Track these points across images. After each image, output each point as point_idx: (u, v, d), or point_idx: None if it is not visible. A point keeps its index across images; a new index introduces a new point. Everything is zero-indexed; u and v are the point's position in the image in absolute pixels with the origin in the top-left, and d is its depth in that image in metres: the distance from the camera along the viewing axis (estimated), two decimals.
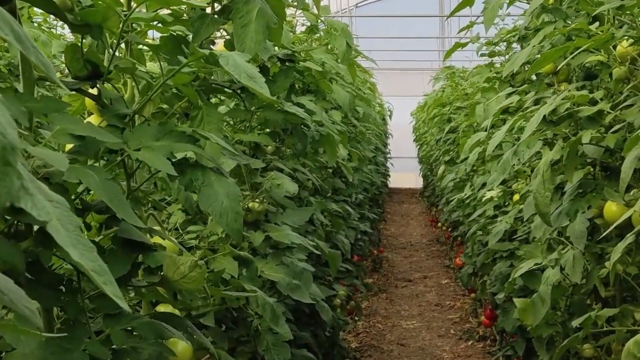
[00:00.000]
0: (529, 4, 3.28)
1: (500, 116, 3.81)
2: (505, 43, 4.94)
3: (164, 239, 1.58)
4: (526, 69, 4.81)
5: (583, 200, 2.27)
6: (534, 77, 4.72)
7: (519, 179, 4.09)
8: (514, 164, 2.73)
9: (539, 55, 3.38)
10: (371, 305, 8.01)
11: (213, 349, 1.71)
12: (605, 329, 2.44)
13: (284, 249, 2.81)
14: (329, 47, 4.08)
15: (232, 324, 2.73)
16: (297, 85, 3.82)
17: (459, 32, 5.29)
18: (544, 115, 2.95)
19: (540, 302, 2.54)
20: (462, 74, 8.05)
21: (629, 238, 1.77)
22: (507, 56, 4.89)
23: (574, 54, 2.05)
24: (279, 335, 2.50)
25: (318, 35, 4.34)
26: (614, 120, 2.07)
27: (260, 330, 2.59)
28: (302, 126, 3.26)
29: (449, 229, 9.04)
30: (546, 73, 3.40)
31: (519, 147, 2.73)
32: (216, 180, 1.39)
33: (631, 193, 2.17)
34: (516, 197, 4.36)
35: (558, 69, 3.29)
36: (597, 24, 2.28)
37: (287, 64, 3.02)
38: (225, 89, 2.52)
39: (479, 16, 5.53)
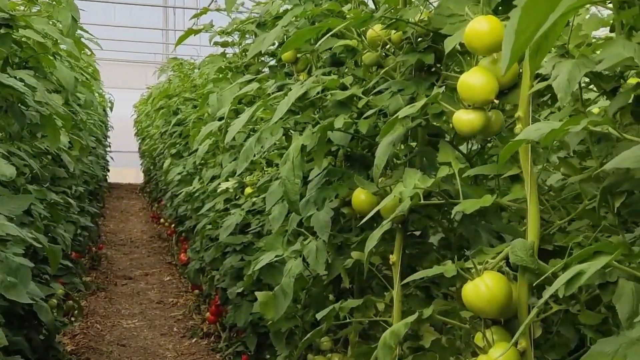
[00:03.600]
0: None
1: (237, 105, 3.68)
2: (238, 33, 4.85)
3: None
4: (259, 60, 4.77)
5: (330, 189, 2.20)
6: (266, 70, 4.69)
7: (254, 171, 4.01)
8: (257, 152, 2.61)
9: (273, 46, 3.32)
10: (89, 304, 7.55)
11: None
12: (345, 321, 2.39)
13: None
14: (52, 22, 3.70)
15: None
16: (11, 60, 3.41)
17: (191, 18, 5.11)
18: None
19: (282, 295, 2.43)
20: (190, 66, 7.87)
21: (385, 225, 1.71)
22: (240, 46, 4.80)
23: (324, 37, 1.95)
24: None
25: (38, 8, 3.93)
26: (366, 105, 2.01)
27: None
28: (19, 104, 2.88)
29: (173, 225, 8.82)
30: (285, 62, 3.34)
31: (262, 134, 2.62)
32: None
33: (379, 181, 2.13)
34: (248, 190, 4.28)
35: (297, 58, 3.25)
36: (349, 5, 2.23)
37: (2, 29, 2.64)
38: None
39: (202, 10, 5.40)
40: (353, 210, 2.22)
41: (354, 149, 2.36)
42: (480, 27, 1.43)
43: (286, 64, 3.78)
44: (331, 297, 2.81)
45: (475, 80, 1.46)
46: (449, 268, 1.55)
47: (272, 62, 4.56)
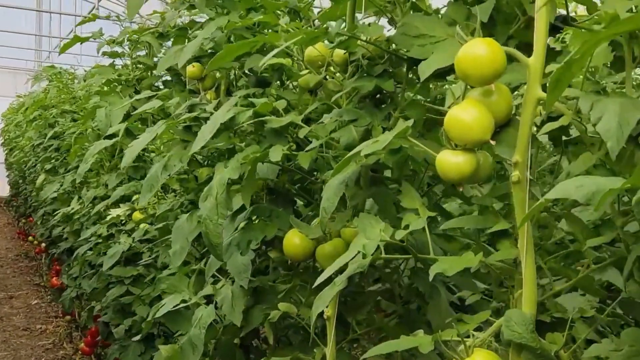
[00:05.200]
0: None
1: (132, 123, 3.31)
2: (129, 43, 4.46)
3: None
4: (152, 73, 4.40)
5: (257, 229, 1.89)
6: (160, 84, 4.32)
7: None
8: (164, 179, 2.27)
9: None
10: None
11: None
12: None
13: None
14: None
15: None
16: None
17: (77, 25, 4.66)
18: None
19: (190, 349, 2.10)
20: (70, 76, 7.32)
21: (339, 285, 1.41)
22: (132, 58, 4.40)
23: (269, 55, 1.63)
24: None
25: None
26: (306, 137, 1.72)
27: None
28: None
29: (44, 244, 8.18)
30: (190, 78, 3.01)
31: (170, 161, 2.28)
32: None
33: (311, 224, 1.85)
34: (137, 215, 3.89)
35: (204, 74, 2.93)
36: (286, 19, 1.93)
37: None
38: None
39: (89, 16, 4.98)
40: (281, 254, 1.92)
41: (278, 182, 2.06)
42: (478, 51, 1.17)
43: (185, 79, 3.45)
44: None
45: (468, 117, 1.20)
46: (423, 341, 1.28)
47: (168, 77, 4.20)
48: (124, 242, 3.50)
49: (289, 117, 1.74)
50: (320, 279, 1.35)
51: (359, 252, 1.34)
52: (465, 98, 1.26)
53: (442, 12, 1.57)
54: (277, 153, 1.66)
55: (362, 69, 1.68)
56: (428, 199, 1.85)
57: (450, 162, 1.26)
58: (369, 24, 1.58)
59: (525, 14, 1.42)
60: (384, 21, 1.74)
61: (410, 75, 1.65)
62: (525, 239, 1.22)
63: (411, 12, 1.64)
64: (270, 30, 1.89)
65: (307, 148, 1.66)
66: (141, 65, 4.31)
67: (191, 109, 2.37)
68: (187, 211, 3.07)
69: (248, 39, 2.30)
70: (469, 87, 1.28)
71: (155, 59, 4.43)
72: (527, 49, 1.51)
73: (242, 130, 2.23)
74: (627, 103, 0.98)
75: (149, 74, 4.32)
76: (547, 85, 1.06)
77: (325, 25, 1.56)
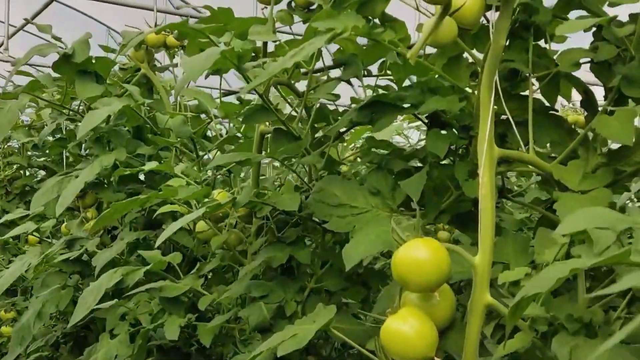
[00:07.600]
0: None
1: None
2: None
3: None
4: (27, 173, 4.08)
5: None
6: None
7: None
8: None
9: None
10: None
11: None
12: None
13: None
14: None
15: None
16: None
17: None
18: None
19: None
20: None
21: None
22: (2, 156, 4.04)
23: (169, 231, 1.41)
24: None
25: None
26: (212, 306, 1.50)
27: None
28: None
29: None
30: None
31: (44, 307, 2.01)
32: None
33: None
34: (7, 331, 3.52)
35: (86, 192, 2.67)
36: (182, 166, 1.72)
37: None
38: None
39: None
40: None
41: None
42: (420, 256, 1.00)
43: None
44: None
45: (410, 330, 1.02)
46: None
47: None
48: None
49: (188, 283, 1.52)
50: None
51: None
52: (403, 304, 1.08)
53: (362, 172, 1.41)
54: (173, 329, 1.44)
55: (270, 225, 1.49)
56: None
57: None
58: (281, 191, 1.40)
59: (459, 188, 1.27)
60: None
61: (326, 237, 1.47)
62: None
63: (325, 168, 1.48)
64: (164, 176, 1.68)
65: (210, 324, 1.44)
66: (14, 165, 3.96)
67: (70, 244, 2.11)
68: (64, 343, 2.77)
69: (135, 167, 2.08)
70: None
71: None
72: (461, 221, 1.37)
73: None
74: (616, 353, 0.82)
75: (23, 173, 3.98)
76: (508, 311, 0.90)
77: (233, 196, 1.37)
